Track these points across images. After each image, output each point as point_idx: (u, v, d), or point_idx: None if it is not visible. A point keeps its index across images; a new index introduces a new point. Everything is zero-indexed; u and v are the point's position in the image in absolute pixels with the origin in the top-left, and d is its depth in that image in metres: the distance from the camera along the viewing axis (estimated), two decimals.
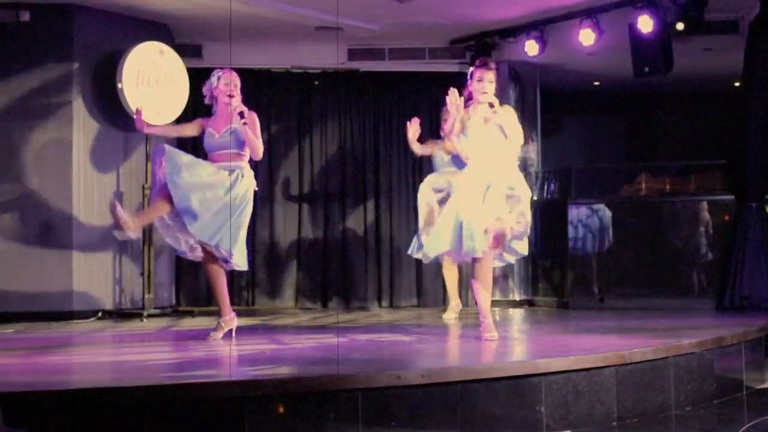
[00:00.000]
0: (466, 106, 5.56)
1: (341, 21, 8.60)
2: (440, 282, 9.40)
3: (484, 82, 5.47)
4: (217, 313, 6.10)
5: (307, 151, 9.72)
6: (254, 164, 9.43)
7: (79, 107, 7.96)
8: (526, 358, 4.84)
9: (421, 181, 9.66)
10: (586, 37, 8.35)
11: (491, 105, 5.45)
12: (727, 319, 6.99)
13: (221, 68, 5.98)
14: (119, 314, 7.96)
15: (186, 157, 5.73)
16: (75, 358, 5.09)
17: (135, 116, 6.03)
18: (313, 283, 9.60)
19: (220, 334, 5.86)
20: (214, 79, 5.92)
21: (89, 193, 7.97)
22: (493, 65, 5.55)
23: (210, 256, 5.85)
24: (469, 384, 4.00)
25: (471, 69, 5.62)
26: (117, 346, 6.15)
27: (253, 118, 5.91)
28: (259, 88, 9.61)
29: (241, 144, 5.84)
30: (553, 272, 9.08)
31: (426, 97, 9.72)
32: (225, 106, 5.90)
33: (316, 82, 9.75)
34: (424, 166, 9.71)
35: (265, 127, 9.62)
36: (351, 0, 8.11)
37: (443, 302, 9.21)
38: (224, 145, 5.84)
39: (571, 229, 8.77)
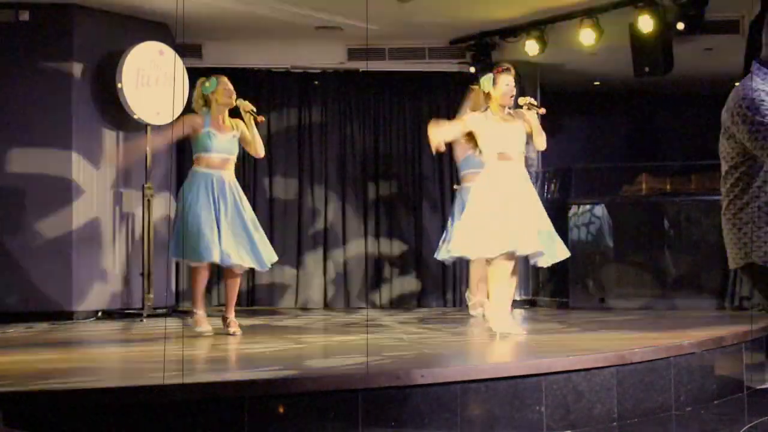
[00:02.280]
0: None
1: (340, 21, 8.60)
2: (441, 282, 9.43)
3: (510, 87, 5.79)
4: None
5: (307, 151, 9.71)
6: (254, 164, 9.53)
7: (78, 107, 7.95)
8: (526, 358, 4.84)
9: (421, 180, 9.70)
10: (587, 37, 8.35)
11: (518, 106, 5.88)
12: (727, 319, 6.99)
13: (215, 75, 6.19)
14: (119, 314, 7.96)
15: None
16: (75, 358, 5.08)
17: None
18: (313, 283, 9.60)
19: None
20: (210, 83, 6.07)
21: (89, 193, 7.97)
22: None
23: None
24: (469, 384, 4.00)
25: (491, 74, 5.79)
26: (117, 346, 6.15)
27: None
28: (259, 88, 9.60)
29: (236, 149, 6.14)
30: (553, 272, 9.07)
31: (426, 97, 9.71)
32: (222, 109, 6.06)
33: (316, 82, 9.75)
34: (425, 165, 9.71)
35: (265, 127, 9.64)
36: (351, 0, 8.11)
37: (453, 302, 9.27)
38: (230, 149, 6.07)
39: (571, 229, 8.76)
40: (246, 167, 9.56)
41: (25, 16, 7.78)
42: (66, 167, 7.85)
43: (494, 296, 5.71)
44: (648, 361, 4.63)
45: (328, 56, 9.47)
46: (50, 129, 7.85)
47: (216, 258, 5.88)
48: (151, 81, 8.07)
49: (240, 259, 5.95)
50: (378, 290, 9.65)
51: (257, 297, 9.51)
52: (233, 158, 6.14)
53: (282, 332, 6.71)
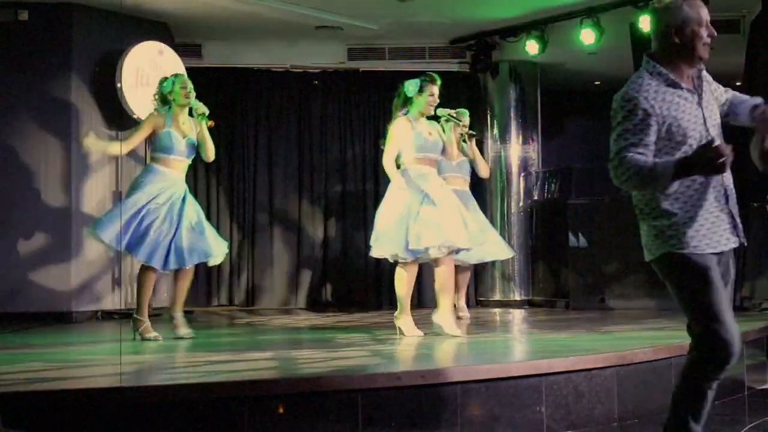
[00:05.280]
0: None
1: (340, 20, 8.59)
2: None
3: (435, 97, 5.96)
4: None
5: (307, 151, 9.71)
6: (254, 164, 9.53)
7: (78, 107, 7.94)
8: (526, 358, 4.84)
9: None
10: (587, 36, 8.35)
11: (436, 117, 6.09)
12: None
13: (174, 75, 6.10)
14: (119, 314, 7.95)
15: None
16: (74, 359, 5.07)
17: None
18: (313, 283, 9.59)
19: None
20: (167, 82, 6.00)
21: (88, 193, 7.96)
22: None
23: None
24: (469, 384, 3.99)
25: (417, 80, 5.94)
26: (116, 346, 6.13)
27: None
28: (259, 87, 9.60)
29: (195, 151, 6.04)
30: (553, 272, 9.06)
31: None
32: (181, 109, 5.97)
33: (316, 82, 9.75)
34: None
35: (264, 127, 9.64)
36: (351, 0, 8.12)
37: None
38: (188, 152, 5.99)
39: (571, 229, 8.75)
40: (246, 167, 9.56)
41: (24, 15, 7.78)
42: (66, 167, 7.85)
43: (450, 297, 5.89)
44: (648, 361, 4.62)
45: (328, 56, 9.46)
46: (50, 128, 7.85)
47: (158, 264, 5.77)
48: (151, 81, 8.04)
49: (178, 260, 5.83)
50: (379, 289, 9.64)
51: (257, 297, 9.50)
52: (189, 162, 6.03)
53: (281, 332, 6.70)
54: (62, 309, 7.71)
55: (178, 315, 6.04)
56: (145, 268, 5.89)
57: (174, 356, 5.20)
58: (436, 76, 5.99)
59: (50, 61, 7.88)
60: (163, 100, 5.99)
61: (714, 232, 3.17)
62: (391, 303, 9.59)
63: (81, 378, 4.11)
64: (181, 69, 8.23)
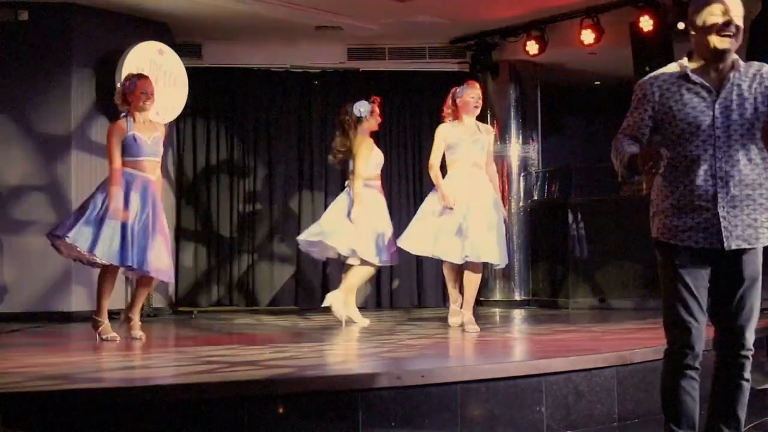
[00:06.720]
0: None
1: (340, 20, 8.60)
2: (441, 282, 9.40)
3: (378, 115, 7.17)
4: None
5: (306, 151, 9.71)
6: (254, 164, 9.52)
7: (78, 107, 7.94)
8: (526, 358, 4.84)
9: (421, 180, 9.70)
10: (587, 36, 8.36)
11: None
12: None
13: (136, 75, 6.05)
14: (119, 314, 7.94)
15: None
16: (75, 358, 5.07)
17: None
18: (312, 284, 9.59)
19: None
20: (128, 83, 5.96)
21: (88, 193, 7.95)
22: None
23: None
24: (469, 384, 3.99)
25: (368, 105, 7.26)
26: (116, 346, 6.13)
27: (165, 130, 6.18)
28: (259, 87, 9.60)
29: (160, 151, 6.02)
30: (553, 272, 9.06)
31: (426, 97, 9.71)
32: (140, 113, 5.93)
33: (316, 82, 9.75)
34: (424, 164, 9.70)
35: (264, 127, 9.65)
36: (351, 0, 8.12)
37: (443, 302, 9.21)
38: (155, 152, 5.94)
39: (571, 229, 8.75)
40: (246, 166, 9.56)
41: (24, 15, 7.78)
42: (66, 167, 7.85)
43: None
44: (648, 361, 4.61)
45: (328, 56, 9.47)
46: (50, 128, 7.85)
47: (125, 262, 5.79)
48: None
49: (151, 264, 5.85)
50: (379, 289, 9.64)
51: (255, 297, 9.50)
52: (159, 161, 6.00)
53: (281, 333, 6.70)
54: (62, 309, 7.72)
55: (136, 318, 6.13)
56: (104, 271, 5.92)
57: (173, 357, 5.20)
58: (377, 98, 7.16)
59: (50, 62, 7.88)
60: (124, 100, 5.95)
61: (699, 230, 3.11)
62: (391, 302, 9.62)
63: (81, 378, 4.11)
64: (181, 69, 8.26)
